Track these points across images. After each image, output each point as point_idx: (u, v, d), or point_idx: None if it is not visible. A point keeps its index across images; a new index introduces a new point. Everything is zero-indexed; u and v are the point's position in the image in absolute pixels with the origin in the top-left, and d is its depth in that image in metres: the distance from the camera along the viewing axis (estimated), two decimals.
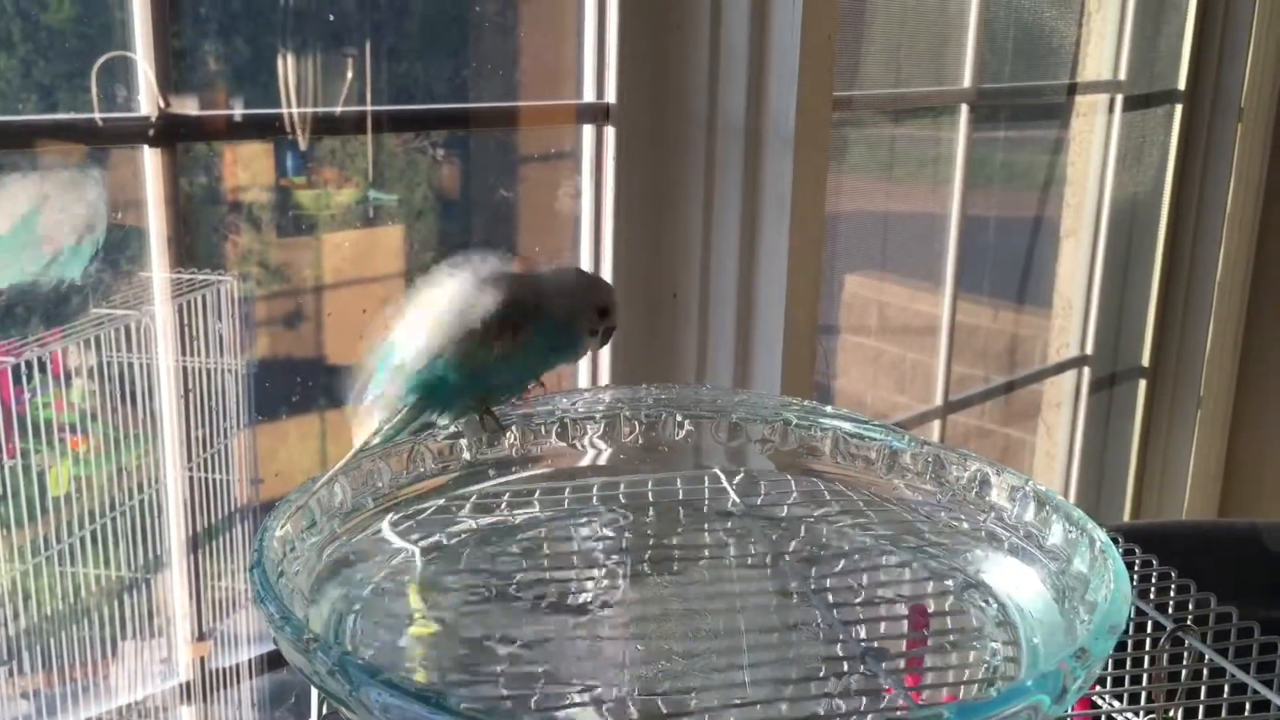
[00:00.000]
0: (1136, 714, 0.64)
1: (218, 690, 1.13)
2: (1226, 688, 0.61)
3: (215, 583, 1.14)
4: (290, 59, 1.04)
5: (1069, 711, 0.68)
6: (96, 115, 0.94)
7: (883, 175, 1.68)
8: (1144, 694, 0.64)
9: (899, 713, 0.49)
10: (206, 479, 1.12)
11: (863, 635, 0.57)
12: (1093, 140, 1.88)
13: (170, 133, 0.95)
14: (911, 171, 1.70)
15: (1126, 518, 1.98)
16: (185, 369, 1.07)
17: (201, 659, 1.13)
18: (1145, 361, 1.97)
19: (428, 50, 1.16)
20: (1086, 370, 1.96)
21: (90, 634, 1.07)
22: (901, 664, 0.55)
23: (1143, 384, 1.99)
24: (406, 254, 1.21)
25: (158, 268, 1.02)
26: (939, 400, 1.67)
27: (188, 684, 1.10)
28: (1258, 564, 1.30)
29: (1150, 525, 1.58)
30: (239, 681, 1.15)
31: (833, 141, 1.49)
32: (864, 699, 0.52)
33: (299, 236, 1.16)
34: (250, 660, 1.15)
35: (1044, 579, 0.58)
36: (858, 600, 0.61)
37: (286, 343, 1.20)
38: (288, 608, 0.48)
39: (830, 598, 0.61)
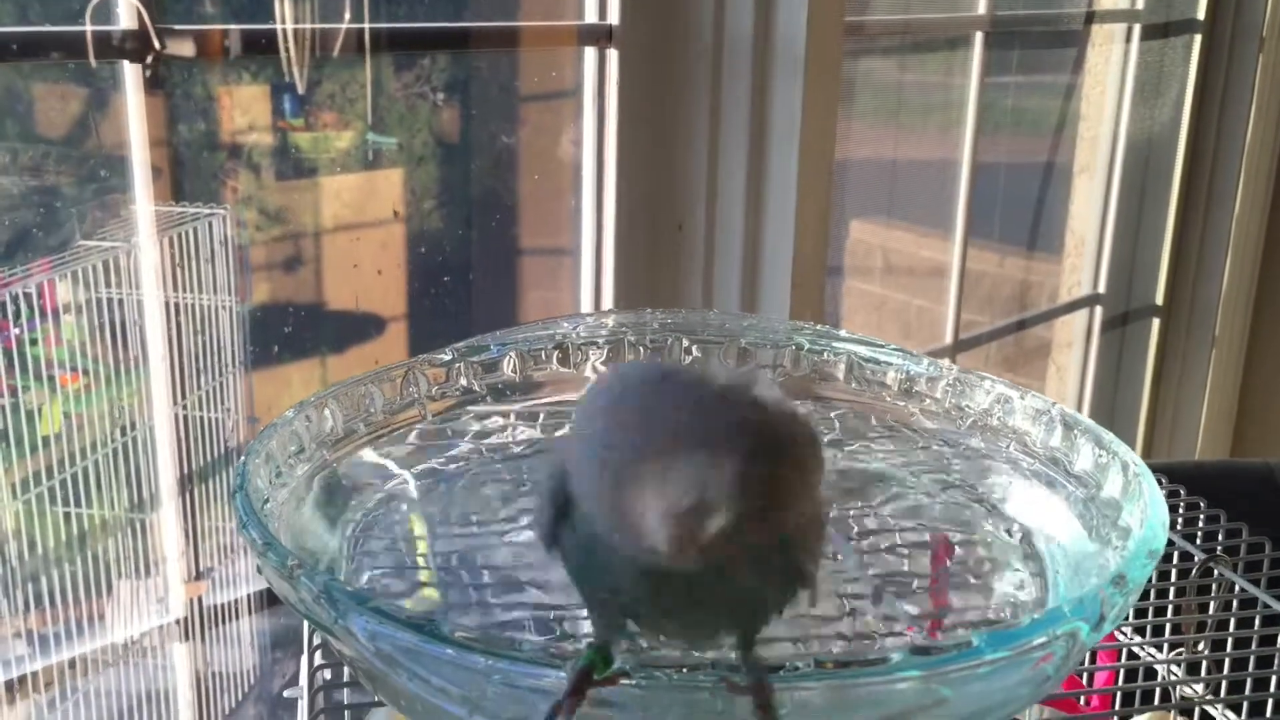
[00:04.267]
0: (1159, 648, 0.62)
1: (214, 627, 1.12)
2: (1258, 619, 0.59)
3: (211, 522, 1.12)
4: None
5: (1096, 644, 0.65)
6: (91, 59, 0.91)
7: (893, 118, 1.64)
8: (1167, 627, 0.62)
9: (929, 642, 0.46)
10: (201, 417, 1.09)
11: (881, 569, 0.55)
12: (1109, 72, 1.83)
13: (158, 57, 0.91)
14: (924, 110, 1.66)
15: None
16: (176, 305, 1.05)
17: (199, 598, 1.11)
18: (1159, 300, 1.94)
19: None
20: (1099, 309, 1.92)
21: (85, 573, 1.05)
22: (920, 598, 0.52)
23: (1156, 323, 1.95)
24: (407, 199, 1.18)
25: (143, 200, 0.99)
26: (949, 339, 1.63)
27: (182, 620, 1.08)
28: (1272, 503, 1.28)
29: (1163, 464, 1.56)
30: (236, 618, 1.13)
31: (844, 82, 1.45)
32: (881, 637, 0.49)
33: (297, 179, 1.14)
34: (249, 596, 1.14)
35: (1071, 506, 0.55)
36: (876, 532, 0.58)
37: (285, 286, 1.18)
38: (271, 533, 0.45)
39: (847, 529, 0.58)
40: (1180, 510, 0.69)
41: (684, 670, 0.38)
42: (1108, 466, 0.53)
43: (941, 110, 1.59)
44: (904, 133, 1.66)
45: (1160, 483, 0.71)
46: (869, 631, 0.49)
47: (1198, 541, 0.66)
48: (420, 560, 0.54)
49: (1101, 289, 1.91)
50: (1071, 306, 1.91)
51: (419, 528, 0.55)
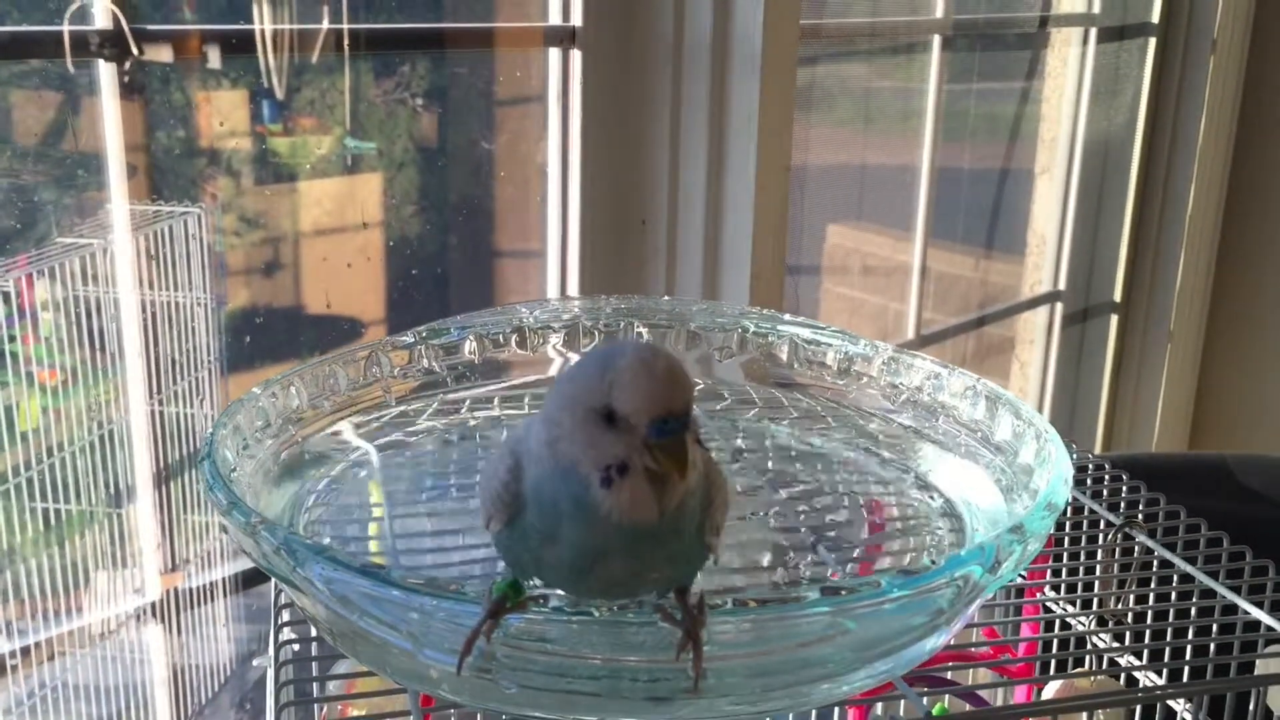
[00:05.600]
0: (1088, 613, 0.65)
1: (190, 610, 1.14)
2: (1175, 578, 0.63)
3: (187, 516, 1.14)
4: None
5: (1009, 599, 0.69)
6: (68, 62, 0.93)
7: (871, 124, 1.67)
8: (1096, 587, 0.65)
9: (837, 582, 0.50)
10: (177, 413, 1.11)
11: (813, 527, 0.58)
12: (1066, 74, 1.88)
13: (136, 62, 0.94)
14: (884, 114, 1.69)
15: (1097, 451, 2.00)
16: (152, 302, 1.07)
17: (175, 588, 1.14)
18: (1117, 296, 1.98)
19: None
20: (1059, 306, 1.97)
21: (63, 565, 1.07)
22: (849, 552, 0.56)
23: (1114, 319, 2.00)
24: (385, 204, 1.21)
25: (119, 198, 1.01)
26: (911, 334, 1.67)
27: (159, 604, 1.11)
28: (1225, 495, 1.32)
29: (1120, 456, 1.60)
30: (211, 601, 1.15)
31: (819, 88, 1.48)
32: (808, 582, 0.53)
33: (276, 184, 1.16)
34: (223, 586, 1.16)
35: (992, 473, 0.59)
36: (811, 496, 0.62)
37: (264, 290, 1.20)
38: (235, 495, 0.48)
39: (784, 494, 0.62)
40: (1105, 481, 0.72)
41: (614, 608, 0.41)
42: (1024, 435, 0.57)
43: (917, 115, 1.62)
44: (880, 137, 1.70)
45: (1088, 455, 0.75)
46: (799, 578, 0.53)
47: (1120, 510, 0.70)
48: (375, 523, 0.57)
49: (1062, 286, 1.96)
50: (1033, 303, 1.96)
51: (376, 494, 0.59)
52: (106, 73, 0.93)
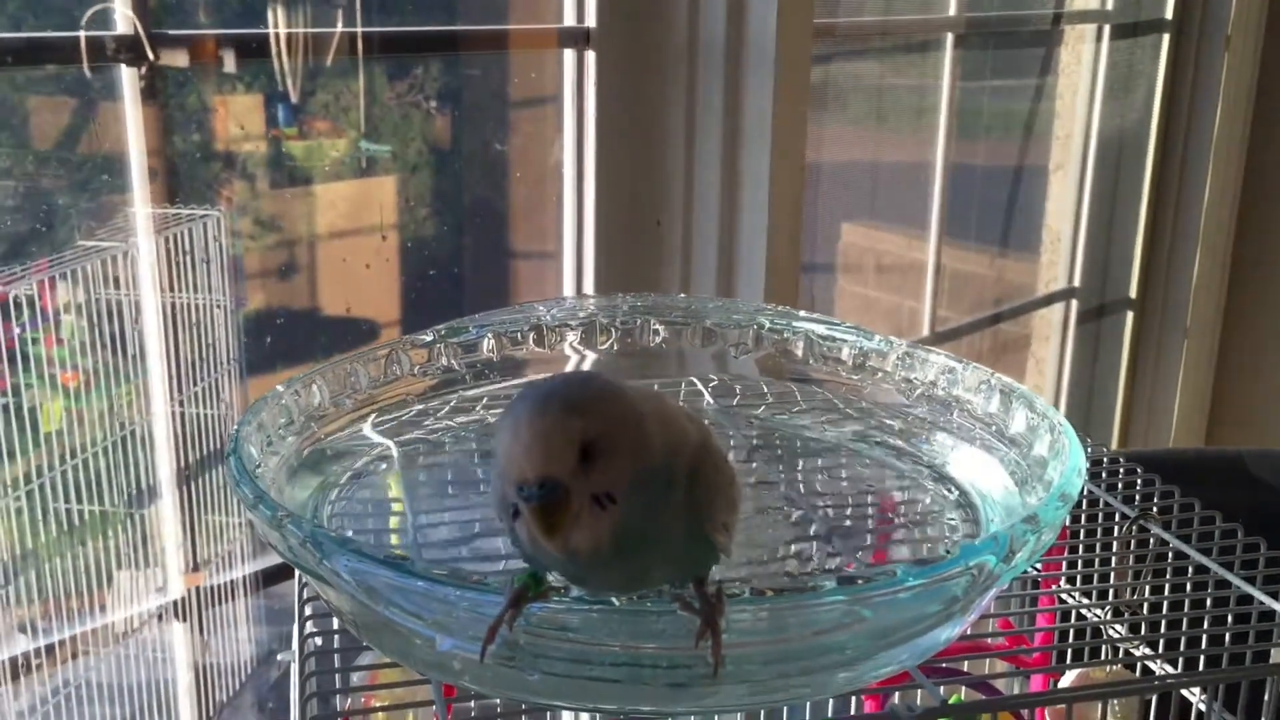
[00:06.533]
0: (1103, 604, 0.66)
1: (211, 608, 1.15)
2: (1190, 569, 0.63)
3: (208, 516, 1.15)
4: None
5: (1024, 590, 0.69)
6: (85, 67, 0.94)
7: (884, 122, 1.68)
8: (1111, 579, 0.66)
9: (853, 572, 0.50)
10: (197, 414, 1.13)
11: (828, 519, 0.59)
12: (1080, 71, 1.88)
13: (152, 67, 0.95)
14: (898, 112, 1.69)
15: (1114, 447, 2.00)
16: (172, 304, 1.08)
17: (196, 588, 1.15)
18: (1133, 293, 1.98)
19: None
20: (1074, 302, 1.97)
21: (86, 565, 1.08)
22: (865, 542, 0.57)
23: (1130, 315, 1.99)
24: (400, 206, 1.21)
25: (140, 202, 1.02)
26: (926, 332, 1.68)
27: (181, 602, 1.12)
28: (1241, 490, 1.32)
29: (1135, 452, 1.59)
30: (232, 599, 1.17)
31: (833, 87, 1.49)
32: (823, 571, 0.53)
33: (291, 187, 1.17)
34: (244, 585, 1.17)
35: (1007, 466, 0.59)
36: (826, 489, 0.62)
37: (281, 293, 1.21)
38: (261, 489, 0.49)
39: (800, 487, 0.62)
40: (1120, 474, 0.73)
41: (633, 598, 0.42)
42: (1038, 428, 0.58)
43: (931, 112, 1.63)
44: (894, 135, 1.70)
45: (1103, 449, 0.75)
46: (814, 569, 0.53)
47: (1136, 502, 0.70)
48: (396, 517, 0.58)
49: (1077, 283, 1.96)
50: (1048, 300, 1.96)
51: (397, 489, 0.60)
52: (128, 78, 0.95)
